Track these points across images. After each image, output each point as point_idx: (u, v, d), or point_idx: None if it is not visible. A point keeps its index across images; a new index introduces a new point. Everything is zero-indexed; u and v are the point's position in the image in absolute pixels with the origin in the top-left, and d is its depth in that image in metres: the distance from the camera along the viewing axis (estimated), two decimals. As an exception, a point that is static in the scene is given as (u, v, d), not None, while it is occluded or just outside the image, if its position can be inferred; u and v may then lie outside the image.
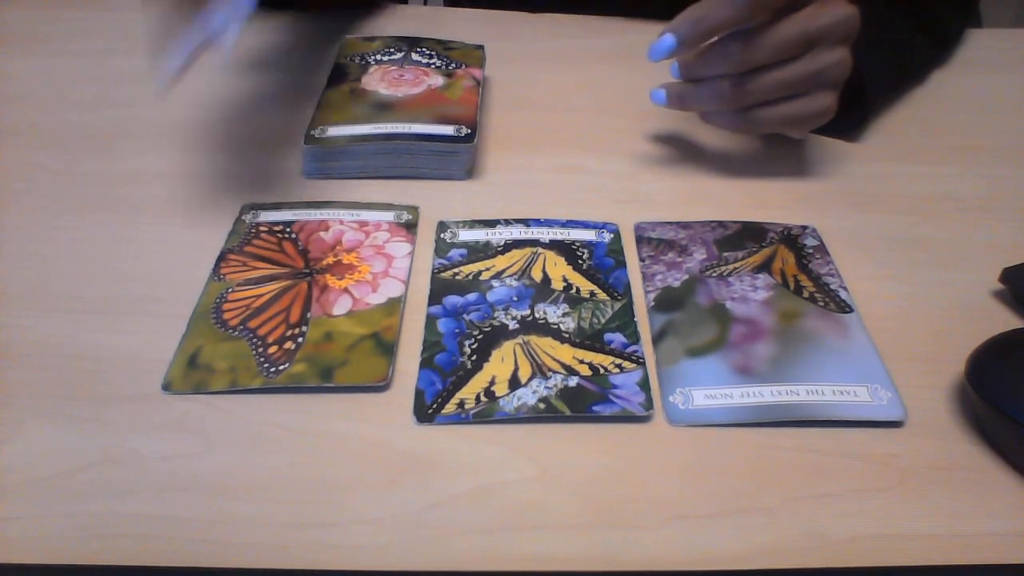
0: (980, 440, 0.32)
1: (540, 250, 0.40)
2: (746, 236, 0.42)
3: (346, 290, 0.37)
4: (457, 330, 0.36)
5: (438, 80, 0.50)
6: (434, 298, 0.38)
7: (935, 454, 0.32)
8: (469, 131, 0.45)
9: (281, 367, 0.33)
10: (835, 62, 0.41)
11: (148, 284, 0.38)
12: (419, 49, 0.53)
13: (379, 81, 0.49)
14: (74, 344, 0.35)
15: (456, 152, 0.45)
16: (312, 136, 0.44)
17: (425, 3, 0.72)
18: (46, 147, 0.47)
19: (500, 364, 0.34)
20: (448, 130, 0.45)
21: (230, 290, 0.37)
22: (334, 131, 0.45)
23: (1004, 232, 0.43)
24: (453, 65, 0.51)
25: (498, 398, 0.33)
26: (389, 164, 0.45)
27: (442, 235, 0.42)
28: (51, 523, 0.28)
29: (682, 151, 0.49)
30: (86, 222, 0.42)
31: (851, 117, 0.47)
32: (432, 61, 0.52)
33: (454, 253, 0.40)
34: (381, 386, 0.33)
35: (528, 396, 0.33)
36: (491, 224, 0.42)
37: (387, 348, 0.35)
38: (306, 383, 0.33)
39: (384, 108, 0.47)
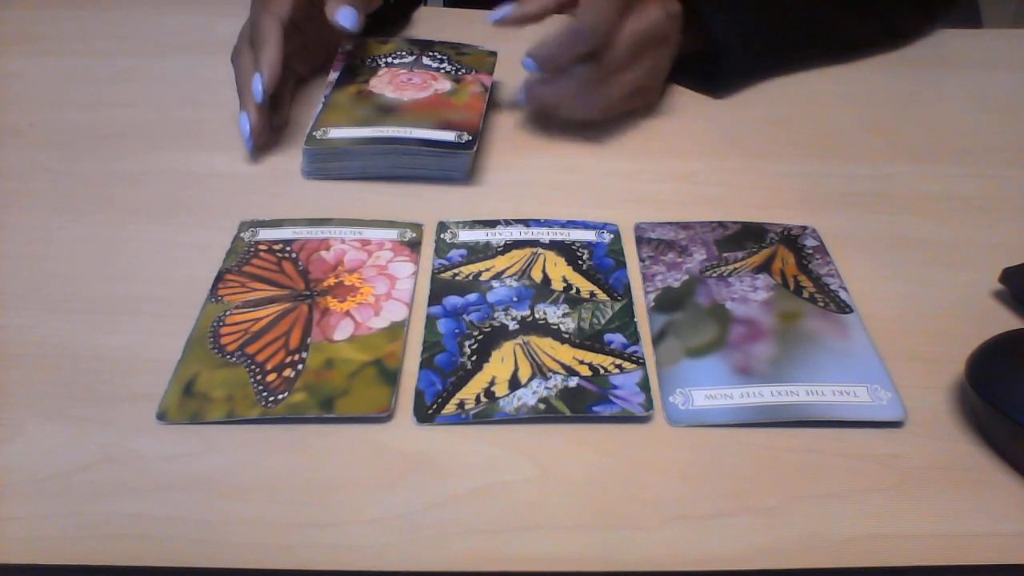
0: (980, 440, 0.32)
1: (540, 250, 0.40)
2: (746, 236, 0.42)
3: (348, 313, 0.36)
4: (457, 330, 0.36)
5: (445, 85, 0.49)
6: (434, 298, 0.38)
7: (935, 454, 0.32)
8: (470, 138, 0.45)
9: (280, 396, 0.33)
10: (659, 62, 0.48)
11: (148, 284, 0.38)
12: (431, 53, 0.53)
13: (386, 84, 0.49)
14: (74, 344, 0.35)
15: (455, 157, 0.45)
16: (313, 137, 0.44)
17: (425, 3, 0.72)
18: (46, 147, 0.47)
19: (500, 364, 0.34)
20: (449, 136, 0.45)
21: (228, 313, 0.36)
22: (336, 133, 0.45)
23: (1004, 232, 0.43)
24: (463, 71, 0.51)
25: (498, 398, 0.33)
26: (389, 166, 0.45)
27: (442, 235, 0.42)
28: (51, 523, 0.28)
29: (682, 151, 0.49)
30: (86, 222, 0.42)
31: (714, 81, 0.54)
32: (443, 66, 0.51)
33: (454, 254, 0.40)
34: (383, 417, 0.32)
35: (528, 396, 0.33)
36: (491, 224, 0.42)
37: (390, 376, 0.34)
38: (306, 413, 0.32)
39: (387, 111, 0.47)
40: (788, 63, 0.57)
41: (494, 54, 0.53)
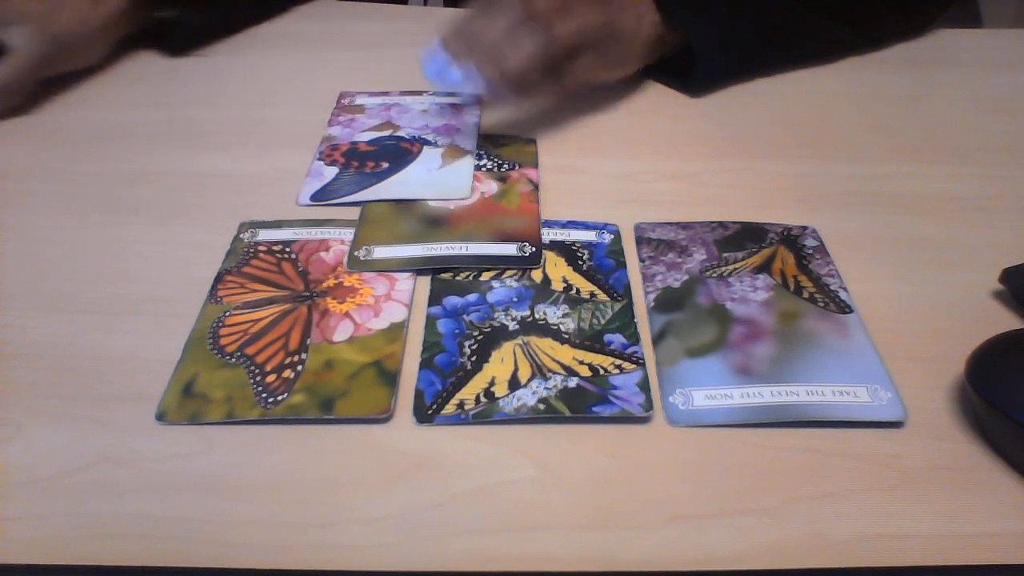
0: (980, 440, 0.32)
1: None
2: (746, 236, 0.42)
3: (347, 314, 0.36)
4: (457, 331, 0.36)
5: (492, 186, 0.45)
6: (434, 299, 0.38)
7: (935, 454, 0.32)
8: (534, 249, 0.40)
9: (280, 397, 0.33)
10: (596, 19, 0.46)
11: (148, 284, 0.38)
12: None
13: None
14: (74, 344, 0.35)
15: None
16: (356, 258, 0.40)
17: (425, 3, 0.72)
18: (46, 147, 0.47)
19: (500, 365, 0.34)
20: (511, 249, 0.40)
21: (227, 314, 0.36)
22: (380, 252, 0.40)
23: (1004, 232, 0.43)
24: (506, 166, 0.47)
25: (498, 399, 0.33)
26: None
27: (442, 235, 0.41)
28: (51, 523, 0.28)
29: (682, 151, 0.49)
30: (86, 222, 0.42)
31: (690, 81, 0.53)
32: (483, 163, 0.47)
33: (454, 253, 0.40)
34: (383, 418, 0.32)
35: (528, 397, 0.33)
36: (491, 224, 0.42)
37: (389, 377, 0.34)
38: (305, 415, 0.32)
39: (435, 224, 0.42)
40: (765, 65, 0.56)
41: (533, 142, 0.49)
